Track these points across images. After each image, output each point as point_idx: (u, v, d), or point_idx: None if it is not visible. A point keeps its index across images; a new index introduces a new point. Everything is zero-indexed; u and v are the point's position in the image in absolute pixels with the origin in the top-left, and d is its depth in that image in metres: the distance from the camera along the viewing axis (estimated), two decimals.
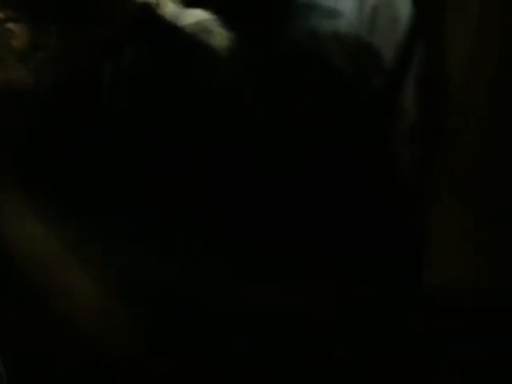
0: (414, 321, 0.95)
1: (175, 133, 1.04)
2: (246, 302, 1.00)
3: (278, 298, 1.00)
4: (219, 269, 1.00)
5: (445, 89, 1.01)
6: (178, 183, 1.03)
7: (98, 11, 1.10)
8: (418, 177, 1.03)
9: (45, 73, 1.11)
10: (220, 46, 1.18)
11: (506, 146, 0.95)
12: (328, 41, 1.18)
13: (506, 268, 0.93)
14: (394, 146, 1.10)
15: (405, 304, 0.97)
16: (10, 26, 1.13)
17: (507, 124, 0.96)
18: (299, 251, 1.05)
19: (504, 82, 0.97)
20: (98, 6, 1.09)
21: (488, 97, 0.97)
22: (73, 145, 1.07)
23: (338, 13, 1.22)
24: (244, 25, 1.17)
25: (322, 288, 1.02)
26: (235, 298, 1.00)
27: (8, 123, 1.08)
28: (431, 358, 0.97)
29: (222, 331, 1.02)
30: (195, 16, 1.40)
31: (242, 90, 1.08)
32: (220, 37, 1.22)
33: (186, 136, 1.04)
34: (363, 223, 1.07)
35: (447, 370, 0.95)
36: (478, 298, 0.94)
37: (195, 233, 1.03)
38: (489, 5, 0.98)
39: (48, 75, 1.11)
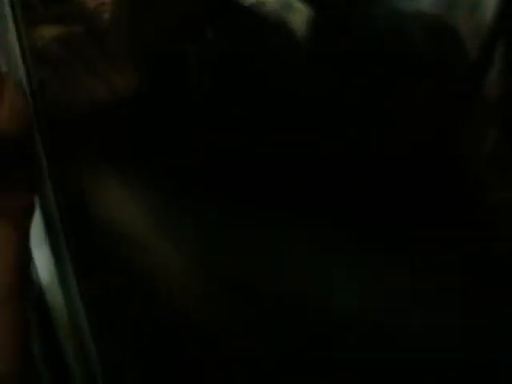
0: None
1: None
2: None
3: None
4: None
5: None
6: None
7: None
8: None
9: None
10: (299, 22, 1.16)
11: None
12: (408, 20, 1.15)
13: None
14: (469, 145, 1.08)
15: None
16: None
17: None
18: None
19: None
20: None
21: None
22: None
23: None
24: (324, 2, 1.14)
25: None
26: None
27: None
28: None
29: None
30: None
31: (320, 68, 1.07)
32: (299, 13, 1.19)
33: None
34: None
35: None
36: None
37: None
38: None
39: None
